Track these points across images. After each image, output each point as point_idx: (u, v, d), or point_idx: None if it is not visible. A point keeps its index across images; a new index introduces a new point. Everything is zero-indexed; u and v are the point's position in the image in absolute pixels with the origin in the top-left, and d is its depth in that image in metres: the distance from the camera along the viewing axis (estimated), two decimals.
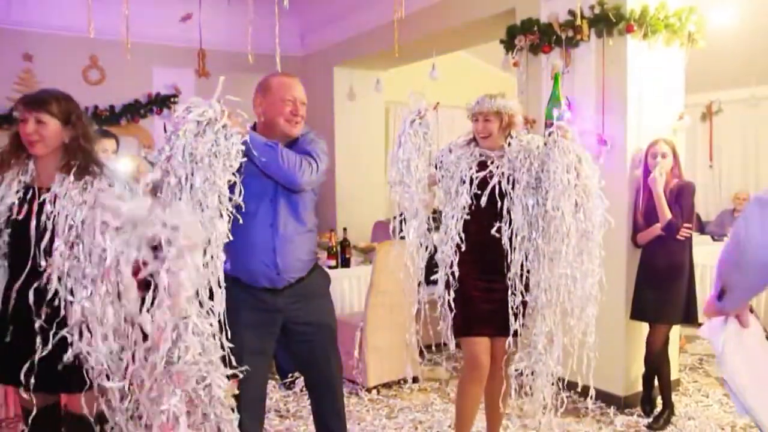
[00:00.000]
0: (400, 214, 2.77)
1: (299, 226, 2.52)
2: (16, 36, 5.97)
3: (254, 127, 2.51)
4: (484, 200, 2.80)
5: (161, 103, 6.69)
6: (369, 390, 4.21)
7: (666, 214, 3.56)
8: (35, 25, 6.01)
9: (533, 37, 4.25)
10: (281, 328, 2.57)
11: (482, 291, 2.84)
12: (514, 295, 2.78)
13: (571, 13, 4.01)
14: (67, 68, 6.22)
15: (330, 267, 4.75)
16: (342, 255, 4.93)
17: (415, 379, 4.40)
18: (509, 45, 4.44)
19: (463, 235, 2.83)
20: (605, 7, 3.86)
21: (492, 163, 2.85)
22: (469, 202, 2.82)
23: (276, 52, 4.06)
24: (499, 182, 2.81)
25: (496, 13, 4.81)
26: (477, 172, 2.84)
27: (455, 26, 5.32)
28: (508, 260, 2.79)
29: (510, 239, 2.78)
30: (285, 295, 2.51)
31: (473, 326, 2.86)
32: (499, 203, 2.80)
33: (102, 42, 5.56)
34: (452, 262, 2.84)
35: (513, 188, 2.79)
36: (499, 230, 2.80)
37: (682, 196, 3.60)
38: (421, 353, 4.53)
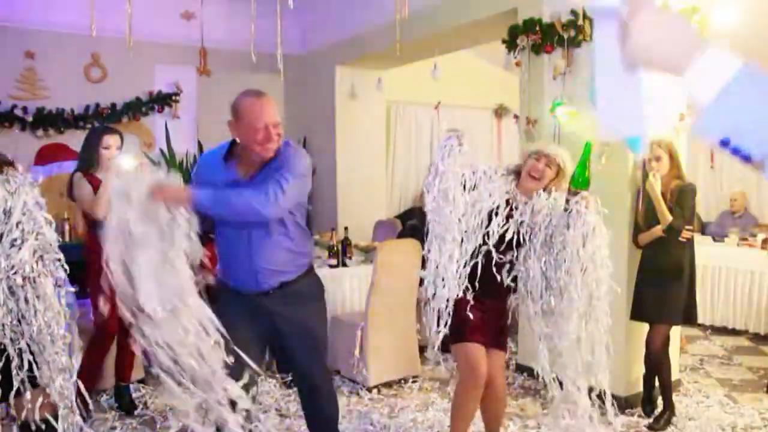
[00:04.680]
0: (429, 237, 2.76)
1: (273, 242, 2.53)
2: (18, 34, 5.97)
3: (233, 143, 2.54)
4: (498, 238, 2.82)
5: (163, 100, 6.69)
6: (370, 389, 4.21)
7: (666, 216, 3.56)
8: (37, 23, 6.01)
9: (535, 36, 4.25)
10: (273, 326, 2.62)
11: (474, 300, 2.85)
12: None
13: (574, 12, 4.01)
14: (69, 66, 6.23)
15: (331, 266, 4.75)
16: (343, 254, 4.94)
17: (415, 379, 4.41)
18: (511, 45, 4.44)
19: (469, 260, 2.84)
20: None
21: (516, 208, 2.86)
22: (497, 239, 2.81)
23: (278, 50, 4.06)
24: (517, 229, 2.83)
25: (498, 13, 4.80)
26: (505, 211, 2.84)
27: (457, 25, 5.32)
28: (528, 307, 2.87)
29: (529, 291, 2.86)
30: (272, 296, 2.57)
31: (465, 332, 2.85)
32: (506, 245, 2.83)
33: (104, 40, 5.57)
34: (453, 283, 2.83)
35: (530, 239, 2.82)
36: (513, 279, 2.86)
37: (683, 197, 3.59)
38: (422, 352, 4.56)
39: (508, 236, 2.81)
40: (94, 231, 3.73)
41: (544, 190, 2.86)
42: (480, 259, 2.80)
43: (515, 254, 2.86)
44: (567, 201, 2.73)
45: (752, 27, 5.45)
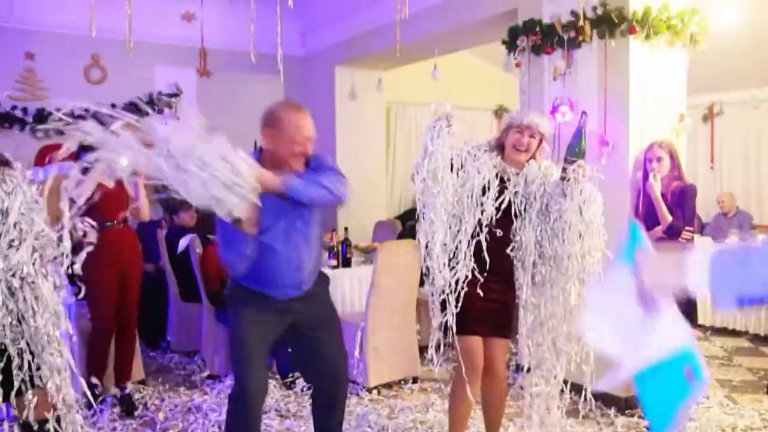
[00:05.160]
0: (422, 219, 2.75)
1: (313, 249, 2.67)
2: (18, 34, 5.97)
3: (260, 152, 2.55)
4: (495, 213, 2.82)
5: (163, 102, 6.69)
6: (369, 390, 4.21)
7: (666, 217, 3.56)
8: (37, 24, 6.01)
9: (535, 37, 4.25)
10: (294, 325, 2.70)
11: (481, 288, 2.82)
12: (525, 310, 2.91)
13: (574, 14, 4.01)
14: (69, 67, 6.23)
15: (331, 267, 4.75)
16: (343, 255, 4.94)
17: (415, 380, 4.41)
18: (511, 45, 4.44)
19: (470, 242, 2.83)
20: (608, 8, 3.86)
21: (509, 180, 2.86)
22: (494, 214, 2.81)
23: (278, 51, 4.06)
24: (512, 201, 2.84)
25: (498, 14, 4.81)
26: (497, 184, 2.84)
27: (457, 26, 5.32)
28: (517, 279, 2.89)
29: (521, 260, 2.87)
30: (297, 299, 2.65)
31: (469, 325, 2.84)
32: (507, 218, 2.84)
33: (104, 40, 5.57)
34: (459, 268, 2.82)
35: (525, 209, 2.84)
36: (512, 249, 2.87)
37: (683, 198, 3.59)
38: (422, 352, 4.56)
39: (504, 207, 2.82)
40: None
41: (533, 158, 2.89)
42: (483, 237, 2.79)
43: (515, 226, 2.86)
44: (564, 170, 2.73)
45: (752, 27, 5.46)
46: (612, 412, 3.85)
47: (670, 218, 3.55)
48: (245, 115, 7.13)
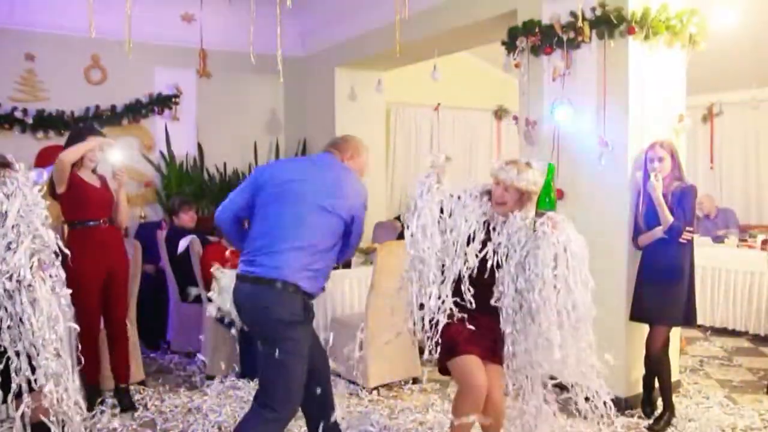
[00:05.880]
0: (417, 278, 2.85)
1: None
2: (18, 36, 5.98)
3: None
4: (476, 262, 2.81)
5: (163, 102, 6.70)
6: (369, 391, 4.21)
7: (668, 217, 3.55)
8: (37, 25, 6.02)
9: (534, 38, 4.25)
10: None
11: (467, 317, 2.82)
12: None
13: (573, 14, 4.01)
14: (69, 68, 6.24)
15: None
16: None
17: (415, 380, 4.41)
18: (511, 46, 4.45)
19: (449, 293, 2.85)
20: (607, 8, 3.86)
21: (494, 229, 2.84)
22: (476, 265, 2.80)
23: (277, 52, 4.06)
24: (495, 251, 2.81)
25: (497, 14, 4.81)
26: (483, 233, 2.83)
27: (457, 27, 5.32)
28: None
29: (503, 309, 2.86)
30: None
31: (459, 345, 2.80)
32: (489, 266, 2.82)
33: (104, 42, 5.58)
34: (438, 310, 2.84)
35: (506, 260, 2.80)
36: (496, 300, 2.86)
37: (684, 199, 3.59)
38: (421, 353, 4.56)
39: (488, 258, 2.80)
40: (73, 229, 3.74)
41: (519, 209, 2.81)
42: (466, 281, 2.79)
43: (497, 276, 2.83)
44: (534, 223, 2.72)
45: (752, 27, 5.46)
46: (612, 412, 3.85)
47: (671, 218, 3.55)
48: (245, 115, 7.20)
